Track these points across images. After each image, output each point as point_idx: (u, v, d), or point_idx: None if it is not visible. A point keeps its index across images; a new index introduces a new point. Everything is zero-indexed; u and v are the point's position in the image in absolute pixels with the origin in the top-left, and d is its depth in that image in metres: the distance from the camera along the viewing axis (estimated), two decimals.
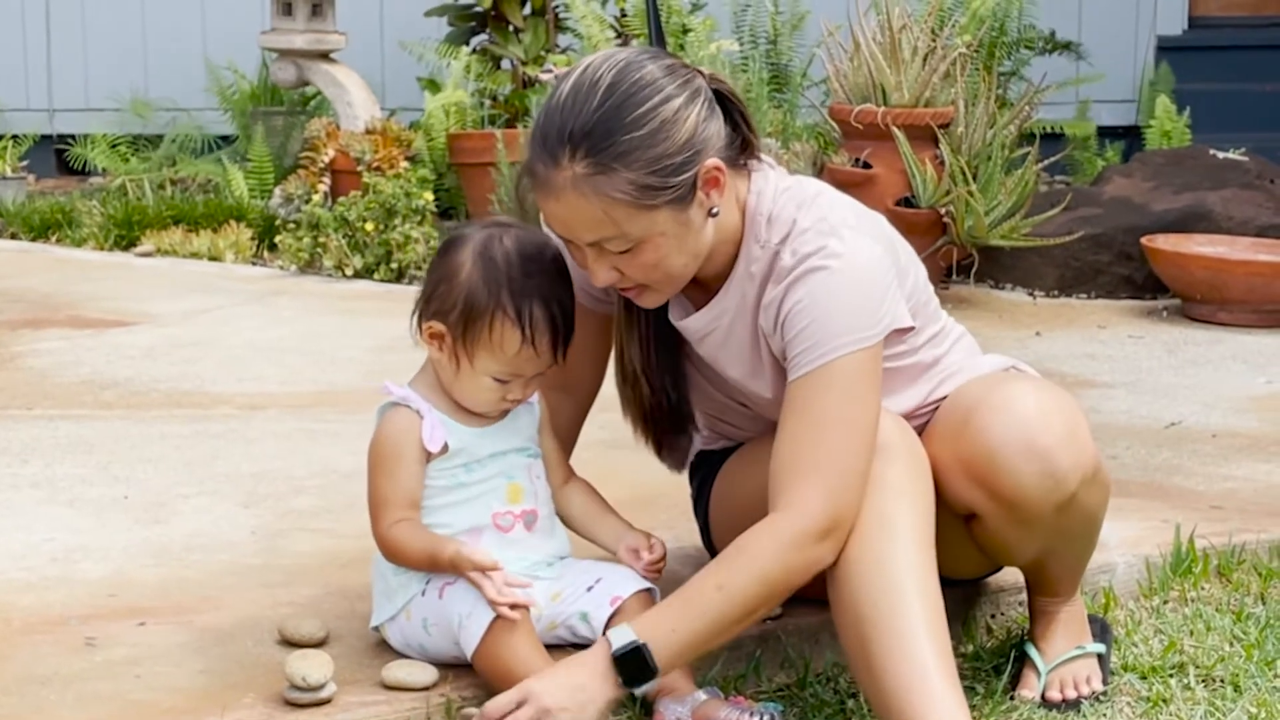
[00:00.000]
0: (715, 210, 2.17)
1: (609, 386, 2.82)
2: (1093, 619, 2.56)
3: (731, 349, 2.31)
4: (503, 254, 2.25)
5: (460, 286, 2.25)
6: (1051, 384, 2.33)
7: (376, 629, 2.37)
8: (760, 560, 2.15)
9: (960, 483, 2.27)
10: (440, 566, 2.25)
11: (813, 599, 2.51)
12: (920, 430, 2.33)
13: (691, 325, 2.31)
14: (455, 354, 2.27)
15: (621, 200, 2.09)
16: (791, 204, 2.23)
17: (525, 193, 2.21)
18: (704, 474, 2.60)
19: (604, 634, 2.18)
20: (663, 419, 2.41)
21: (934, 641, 2.10)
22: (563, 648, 2.31)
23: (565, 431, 2.47)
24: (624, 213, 2.10)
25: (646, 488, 2.90)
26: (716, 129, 2.15)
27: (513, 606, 2.19)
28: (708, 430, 2.54)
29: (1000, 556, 2.41)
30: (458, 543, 2.24)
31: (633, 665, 2.12)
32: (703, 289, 2.30)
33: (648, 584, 2.34)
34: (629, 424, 2.44)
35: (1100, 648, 2.49)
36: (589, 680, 2.11)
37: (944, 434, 2.30)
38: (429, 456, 2.28)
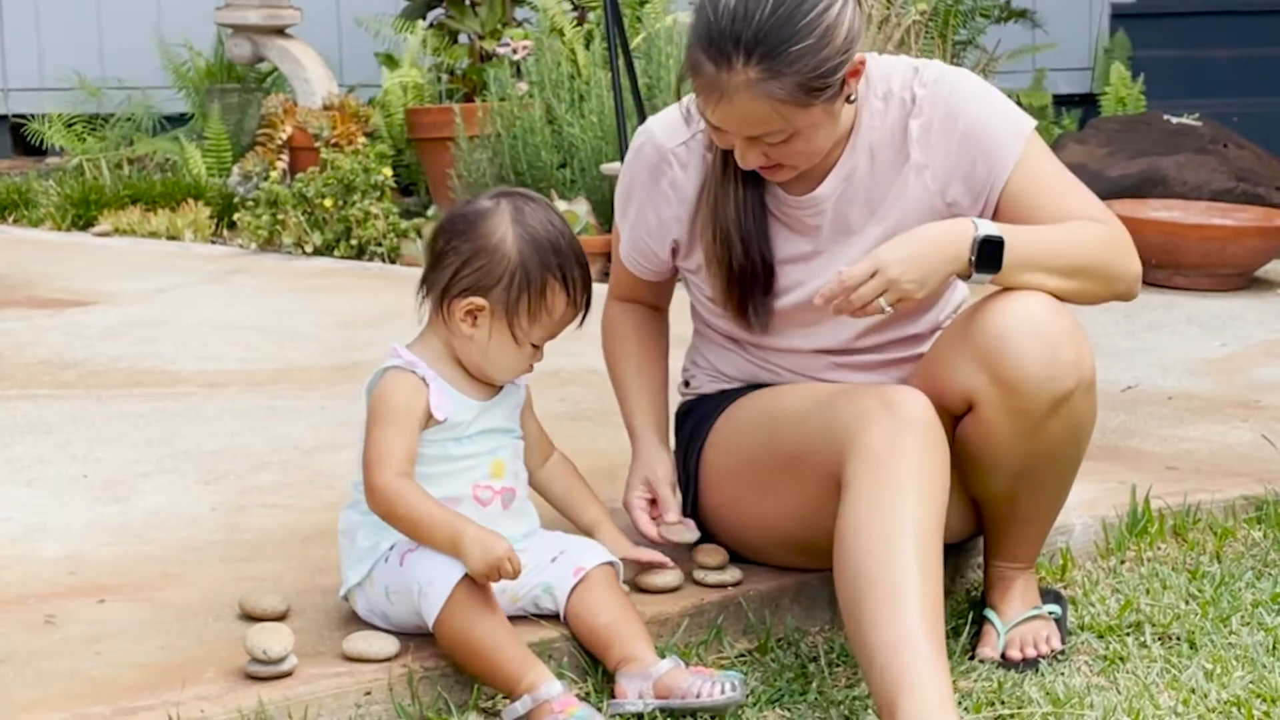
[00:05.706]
0: (853, 97, 2.35)
1: (572, 360, 2.82)
2: (1047, 591, 2.58)
3: (860, 202, 2.44)
4: (539, 222, 2.31)
5: (506, 259, 2.28)
6: None
7: (345, 598, 2.36)
8: (1099, 235, 2.39)
9: (965, 366, 2.33)
10: (436, 539, 2.20)
11: (773, 566, 2.55)
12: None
13: (823, 192, 2.43)
14: (499, 327, 2.29)
15: (787, 100, 2.24)
16: (899, 61, 2.45)
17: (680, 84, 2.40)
18: (697, 419, 2.61)
19: (968, 219, 2.32)
20: (754, 280, 2.47)
21: (925, 605, 2.12)
22: (526, 619, 2.32)
23: (663, 335, 2.68)
24: (787, 110, 2.26)
25: (607, 457, 2.91)
26: (861, 22, 2.29)
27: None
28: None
29: (979, 478, 2.42)
30: (474, 525, 2.20)
31: (989, 252, 2.28)
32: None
33: (611, 556, 2.35)
34: (715, 287, 2.50)
35: (1056, 609, 2.51)
36: (935, 252, 2.27)
37: (957, 323, 2.41)
38: (427, 424, 2.29)
